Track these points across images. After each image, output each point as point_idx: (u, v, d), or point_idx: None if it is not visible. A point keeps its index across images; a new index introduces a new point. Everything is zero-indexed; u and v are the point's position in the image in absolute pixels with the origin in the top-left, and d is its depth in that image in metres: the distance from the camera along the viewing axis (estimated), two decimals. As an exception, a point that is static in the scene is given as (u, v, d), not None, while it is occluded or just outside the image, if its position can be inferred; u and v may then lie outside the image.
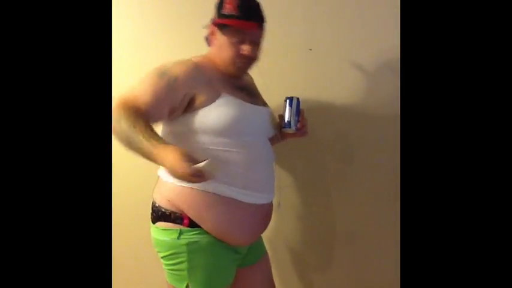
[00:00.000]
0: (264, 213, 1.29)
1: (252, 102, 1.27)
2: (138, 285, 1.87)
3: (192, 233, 1.19)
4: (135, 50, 1.66)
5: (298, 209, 1.69)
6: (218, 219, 1.19)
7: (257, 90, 1.42)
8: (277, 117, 1.36)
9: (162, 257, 1.24)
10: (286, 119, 1.30)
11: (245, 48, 1.21)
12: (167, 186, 1.21)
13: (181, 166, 0.99)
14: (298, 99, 1.31)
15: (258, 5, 1.23)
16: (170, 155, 1.01)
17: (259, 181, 1.24)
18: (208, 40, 1.28)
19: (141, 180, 1.74)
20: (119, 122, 1.05)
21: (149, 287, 1.85)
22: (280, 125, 1.34)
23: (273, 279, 1.48)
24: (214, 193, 1.17)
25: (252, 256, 1.35)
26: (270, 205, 1.32)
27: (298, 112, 1.30)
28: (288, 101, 1.31)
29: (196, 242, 1.19)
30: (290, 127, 1.30)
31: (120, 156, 1.53)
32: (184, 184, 1.15)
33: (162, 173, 1.24)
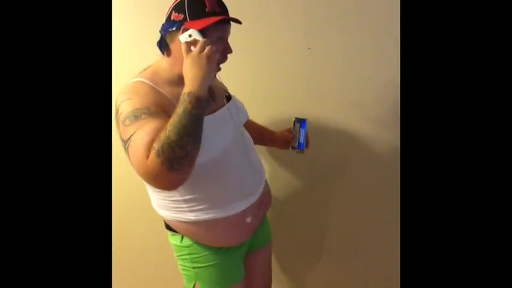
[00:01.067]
0: (258, 205, 1.27)
1: (211, 111, 1.15)
2: (138, 285, 1.87)
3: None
4: (135, 49, 1.66)
5: (296, 207, 1.70)
6: (214, 237, 1.21)
7: (215, 84, 1.27)
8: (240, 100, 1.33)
9: (176, 258, 1.29)
10: (299, 140, 1.40)
11: (229, 48, 1.13)
12: (164, 218, 1.26)
13: (197, 56, 1.00)
14: (307, 120, 1.41)
15: None
16: (189, 74, 1.00)
17: (243, 186, 1.21)
18: (171, 47, 1.12)
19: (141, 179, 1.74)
20: (169, 147, 0.93)
21: (149, 287, 1.85)
22: (288, 143, 1.42)
23: (270, 268, 1.50)
24: (204, 221, 1.18)
25: (256, 241, 1.35)
26: (264, 191, 1.31)
27: (306, 134, 1.41)
28: (300, 123, 1.40)
29: (196, 242, 1.22)
30: (302, 148, 1.40)
31: (120, 154, 1.53)
32: (176, 218, 1.19)
33: (156, 207, 1.25)
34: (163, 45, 1.13)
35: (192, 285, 1.25)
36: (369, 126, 1.56)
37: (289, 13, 1.51)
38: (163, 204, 1.20)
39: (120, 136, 1.03)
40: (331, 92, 1.55)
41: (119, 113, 1.04)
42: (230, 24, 1.13)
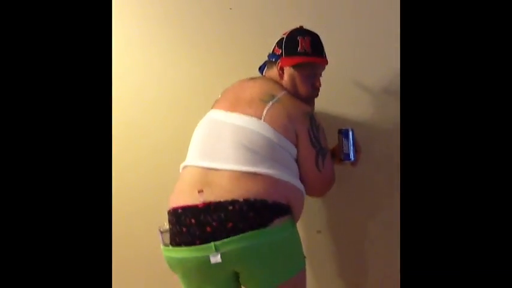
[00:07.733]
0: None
1: None
2: (138, 285, 1.86)
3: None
4: (136, 49, 1.66)
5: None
6: None
7: None
8: None
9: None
10: (344, 151, 1.33)
11: (318, 82, 1.35)
12: None
13: None
14: (352, 130, 1.34)
15: (321, 41, 1.34)
16: None
17: None
18: (265, 73, 1.40)
19: (141, 178, 1.74)
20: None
21: (149, 287, 1.85)
22: (338, 156, 1.37)
23: None
24: None
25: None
26: None
27: (354, 143, 1.34)
28: (342, 133, 1.34)
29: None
30: (350, 159, 1.34)
31: (121, 154, 1.53)
32: None
33: None
34: (263, 69, 1.41)
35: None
36: (373, 128, 1.56)
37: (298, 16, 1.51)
38: None
39: (319, 139, 1.26)
40: (340, 94, 1.56)
41: (317, 121, 1.29)
42: (321, 64, 1.34)
